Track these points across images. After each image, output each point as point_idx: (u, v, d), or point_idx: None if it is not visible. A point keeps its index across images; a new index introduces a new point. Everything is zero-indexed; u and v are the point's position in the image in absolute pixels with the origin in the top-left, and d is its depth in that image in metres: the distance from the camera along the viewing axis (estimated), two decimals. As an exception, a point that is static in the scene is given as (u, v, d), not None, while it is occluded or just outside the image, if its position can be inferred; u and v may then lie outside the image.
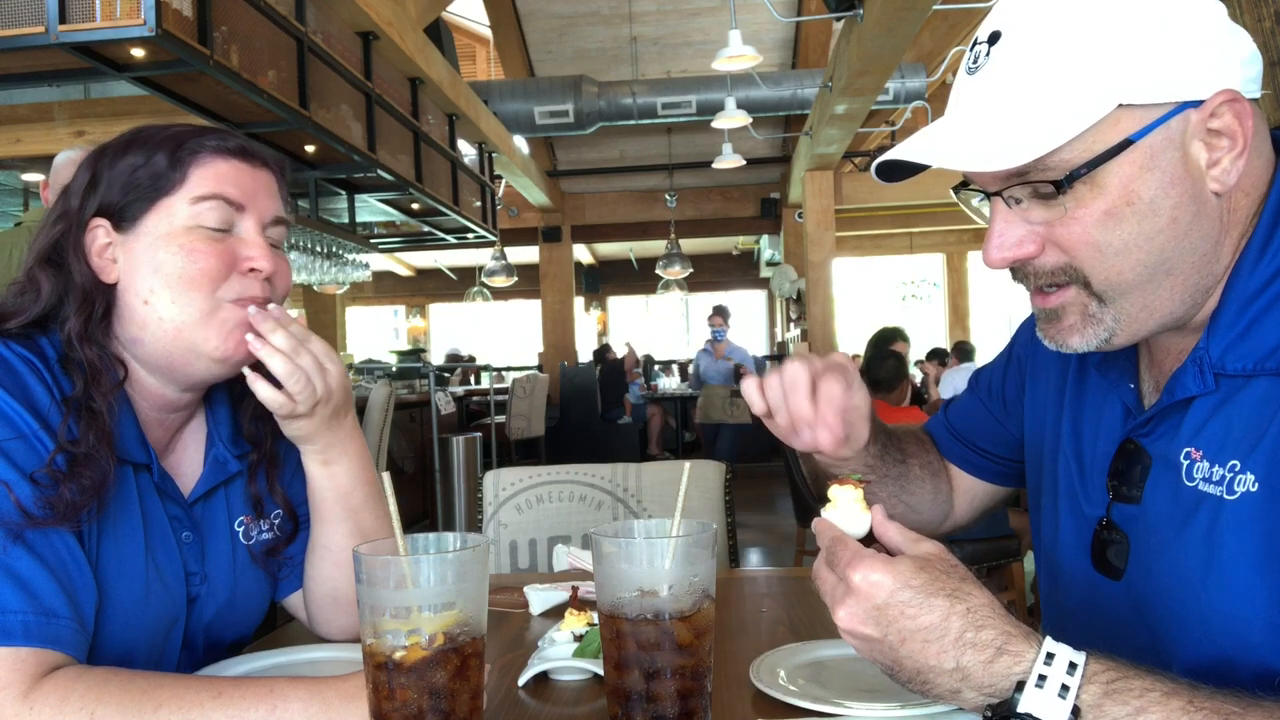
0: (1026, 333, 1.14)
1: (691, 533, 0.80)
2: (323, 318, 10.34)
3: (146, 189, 1.01)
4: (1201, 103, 0.76)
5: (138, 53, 3.03)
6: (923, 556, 0.77)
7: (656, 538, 0.83)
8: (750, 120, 7.08)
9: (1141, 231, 0.77)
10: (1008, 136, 0.76)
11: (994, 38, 0.80)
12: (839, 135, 7.40)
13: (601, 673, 0.85)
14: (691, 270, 11.47)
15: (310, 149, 4.45)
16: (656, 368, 11.95)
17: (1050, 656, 0.69)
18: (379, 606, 0.73)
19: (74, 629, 0.87)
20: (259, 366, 1.03)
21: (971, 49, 0.83)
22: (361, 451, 1.14)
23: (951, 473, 1.23)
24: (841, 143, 7.68)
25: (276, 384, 1.03)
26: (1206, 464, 0.81)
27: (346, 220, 5.67)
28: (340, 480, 1.12)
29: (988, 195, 0.83)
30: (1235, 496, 0.79)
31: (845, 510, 0.83)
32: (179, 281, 1.00)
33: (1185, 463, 0.83)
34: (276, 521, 1.17)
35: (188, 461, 1.12)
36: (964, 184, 0.87)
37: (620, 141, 10.35)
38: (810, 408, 0.97)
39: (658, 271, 11.49)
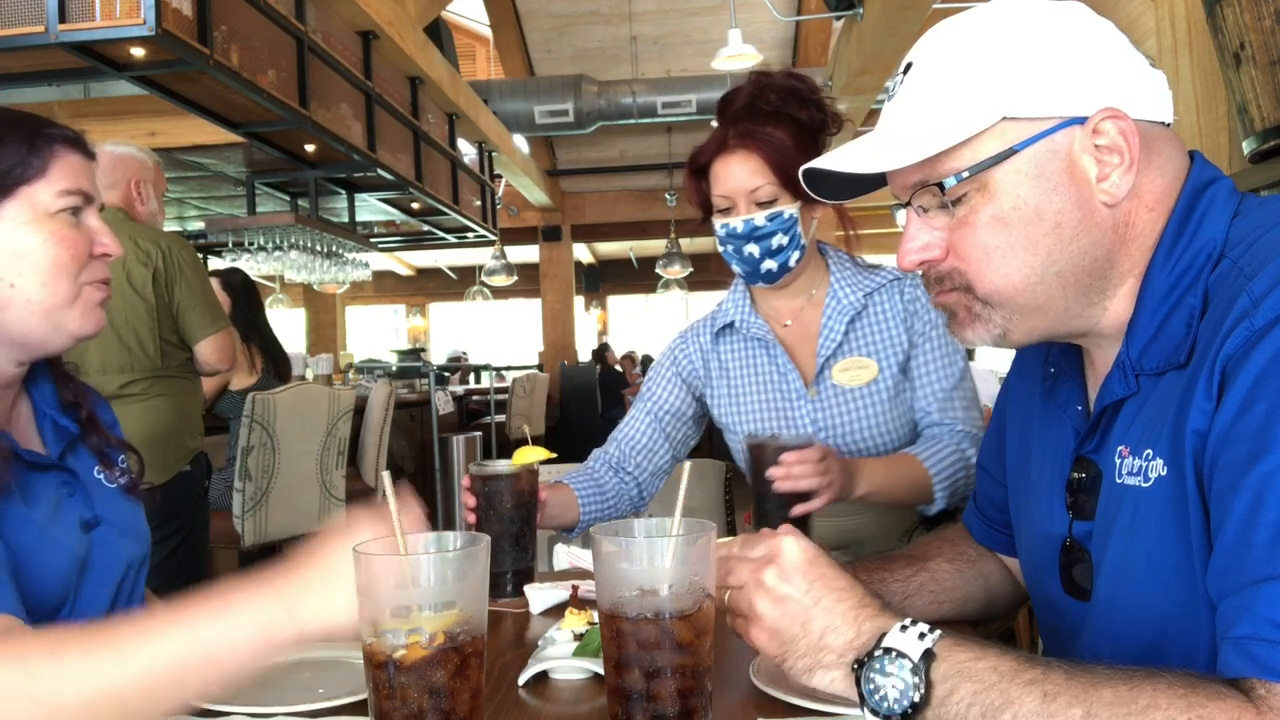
0: (1003, 389, 1.14)
1: (691, 532, 0.80)
2: (323, 317, 10.35)
3: (4, 175, 1.04)
4: (1085, 119, 0.82)
5: (137, 52, 3.03)
6: None
7: (656, 537, 0.83)
8: (750, 119, 7.06)
9: (1028, 235, 0.83)
10: (903, 143, 0.85)
11: (907, 68, 0.89)
12: (839, 135, 7.36)
13: (601, 672, 0.85)
14: (692, 270, 11.46)
15: (310, 148, 4.45)
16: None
17: (909, 623, 0.79)
18: (379, 606, 0.73)
19: (8, 590, 0.90)
20: None
21: (893, 81, 0.92)
22: None
23: (1000, 556, 1.20)
24: (841, 142, 7.61)
25: None
26: (1132, 459, 0.83)
27: (346, 219, 5.68)
28: None
29: (903, 206, 0.90)
30: (1150, 483, 0.81)
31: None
32: (50, 267, 1.04)
33: (1118, 462, 0.85)
34: (124, 465, 1.21)
35: (21, 437, 1.11)
36: (900, 205, 0.94)
37: (620, 141, 10.34)
38: None
39: (658, 271, 11.48)
